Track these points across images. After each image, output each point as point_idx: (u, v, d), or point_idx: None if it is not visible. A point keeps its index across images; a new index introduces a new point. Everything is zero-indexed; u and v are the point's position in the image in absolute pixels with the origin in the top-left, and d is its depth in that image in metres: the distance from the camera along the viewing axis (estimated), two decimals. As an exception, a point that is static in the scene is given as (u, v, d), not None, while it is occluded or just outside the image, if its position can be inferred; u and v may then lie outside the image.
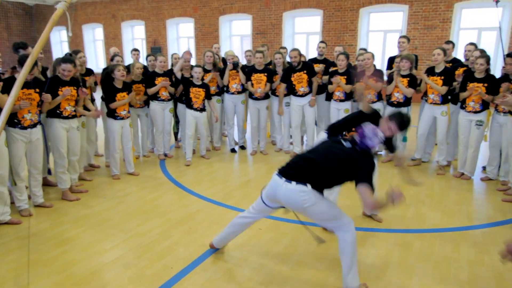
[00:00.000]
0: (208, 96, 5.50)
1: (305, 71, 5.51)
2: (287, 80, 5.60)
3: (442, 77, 4.81)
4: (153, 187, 4.66)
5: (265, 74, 5.66)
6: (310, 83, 5.58)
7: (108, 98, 4.79)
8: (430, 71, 4.99)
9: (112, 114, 4.83)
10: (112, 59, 5.30)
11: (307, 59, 6.09)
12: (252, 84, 5.70)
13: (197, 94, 5.39)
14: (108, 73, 4.92)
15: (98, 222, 3.73)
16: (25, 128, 3.72)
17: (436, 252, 3.16)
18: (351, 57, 6.15)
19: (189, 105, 5.43)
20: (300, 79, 5.54)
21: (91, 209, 4.03)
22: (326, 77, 5.77)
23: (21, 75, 2.29)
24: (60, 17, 2.23)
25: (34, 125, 3.80)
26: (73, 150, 4.32)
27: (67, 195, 4.27)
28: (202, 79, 5.50)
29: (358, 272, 2.60)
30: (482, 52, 4.82)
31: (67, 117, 4.17)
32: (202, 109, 5.48)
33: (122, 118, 4.86)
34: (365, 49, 6.14)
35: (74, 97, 4.21)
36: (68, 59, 4.11)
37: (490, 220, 3.78)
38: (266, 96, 5.82)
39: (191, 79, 5.44)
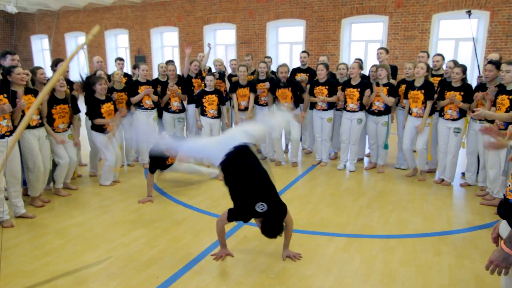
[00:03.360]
0: (222, 101, 5.68)
1: (289, 88, 5.56)
2: (273, 93, 5.69)
3: (423, 91, 4.92)
4: (138, 196, 4.62)
5: (248, 88, 5.71)
6: (296, 99, 5.63)
7: (93, 112, 4.77)
8: (410, 85, 5.08)
9: (98, 127, 4.83)
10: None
11: (290, 69, 6.10)
12: (236, 98, 5.74)
13: (210, 100, 5.55)
14: (89, 84, 4.87)
15: (82, 232, 3.68)
16: (2, 137, 3.62)
17: (418, 257, 3.23)
18: (333, 66, 6.27)
19: (203, 113, 5.60)
20: (284, 95, 5.59)
21: (74, 219, 3.98)
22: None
23: (43, 94, 2.80)
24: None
25: (10, 133, 3.70)
26: (45, 159, 4.28)
27: (34, 200, 4.28)
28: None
29: None
30: (455, 62, 4.99)
31: (35, 127, 4.12)
32: (217, 116, 5.63)
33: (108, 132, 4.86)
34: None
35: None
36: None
37: (469, 224, 3.89)
38: (245, 108, 5.84)
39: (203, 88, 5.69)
